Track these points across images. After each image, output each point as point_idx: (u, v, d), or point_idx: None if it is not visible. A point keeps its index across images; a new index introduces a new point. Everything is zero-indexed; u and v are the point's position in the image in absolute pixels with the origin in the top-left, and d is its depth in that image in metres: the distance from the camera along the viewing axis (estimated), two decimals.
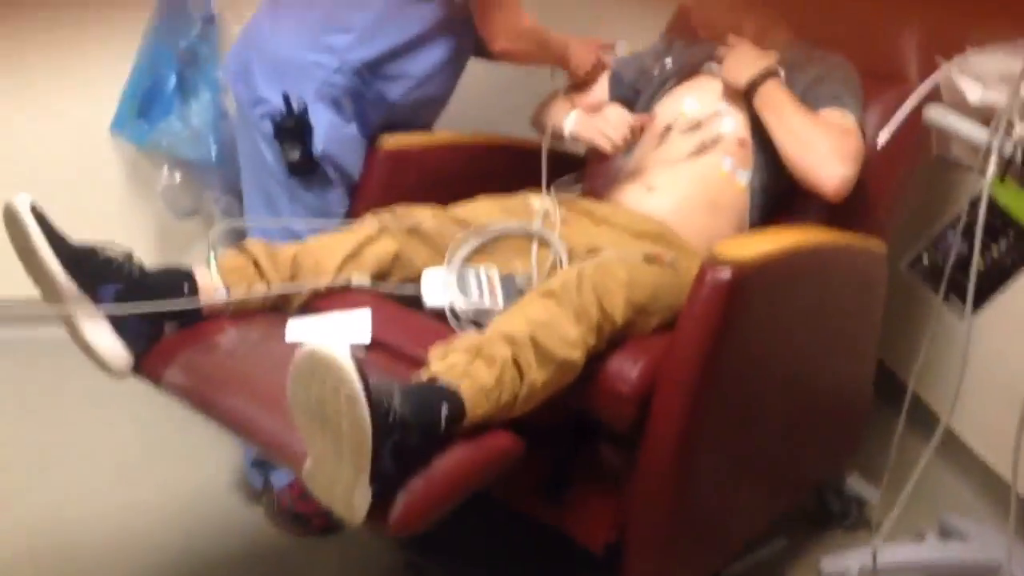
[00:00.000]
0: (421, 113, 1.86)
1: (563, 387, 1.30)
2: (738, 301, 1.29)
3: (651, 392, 1.34)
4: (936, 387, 1.90)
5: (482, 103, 2.12)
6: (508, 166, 1.88)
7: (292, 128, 1.68)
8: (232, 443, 1.92)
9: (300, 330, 1.39)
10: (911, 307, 1.93)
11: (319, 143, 1.70)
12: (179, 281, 1.40)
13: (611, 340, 1.36)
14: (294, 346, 1.10)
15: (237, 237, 1.64)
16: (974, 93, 1.22)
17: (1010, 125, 1.14)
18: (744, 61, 1.72)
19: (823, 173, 1.56)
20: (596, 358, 1.34)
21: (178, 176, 2.25)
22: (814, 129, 1.60)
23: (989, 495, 1.91)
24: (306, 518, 1.79)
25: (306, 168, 1.70)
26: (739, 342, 1.34)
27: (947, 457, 1.99)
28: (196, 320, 1.41)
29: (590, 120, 1.80)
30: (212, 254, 1.46)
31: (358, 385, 1.04)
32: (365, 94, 1.75)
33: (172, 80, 2.10)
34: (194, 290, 1.40)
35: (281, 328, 1.40)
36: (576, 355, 1.29)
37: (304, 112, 1.68)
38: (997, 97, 1.18)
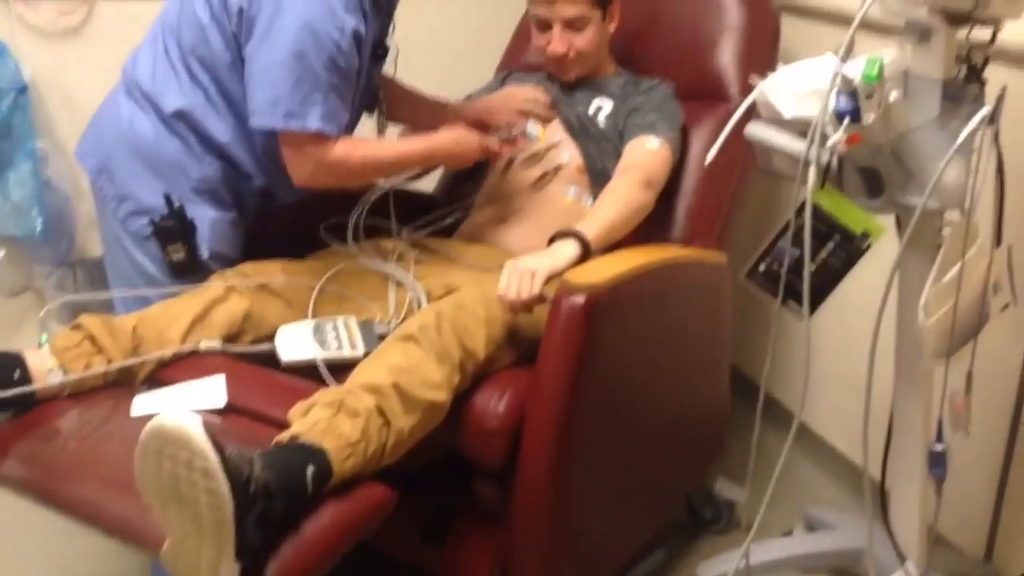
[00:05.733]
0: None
1: (432, 430, 1.29)
2: (594, 325, 1.32)
3: (519, 425, 1.34)
4: (786, 386, 1.99)
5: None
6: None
7: (173, 228, 1.57)
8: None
9: (147, 404, 1.32)
10: (756, 313, 2.03)
11: (204, 243, 1.60)
12: (8, 367, 1.30)
13: (475, 376, 1.36)
14: (142, 421, 1.04)
15: (73, 313, 1.54)
16: (788, 108, 1.29)
17: (824, 136, 1.21)
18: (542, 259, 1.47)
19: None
20: (462, 397, 1.34)
21: (2, 253, 2.12)
22: (623, 204, 1.61)
23: (846, 483, 2.01)
24: None
25: (190, 268, 1.59)
26: (600, 364, 1.37)
27: (805, 451, 2.09)
28: (31, 406, 1.31)
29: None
30: (43, 334, 1.36)
31: (213, 457, 0.99)
32: (238, 180, 1.63)
33: None
34: (25, 375, 1.31)
35: (127, 404, 1.32)
36: (442, 397, 1.28)
37: (182, 210, 1.57)
38: (809, 110, 1.24)
